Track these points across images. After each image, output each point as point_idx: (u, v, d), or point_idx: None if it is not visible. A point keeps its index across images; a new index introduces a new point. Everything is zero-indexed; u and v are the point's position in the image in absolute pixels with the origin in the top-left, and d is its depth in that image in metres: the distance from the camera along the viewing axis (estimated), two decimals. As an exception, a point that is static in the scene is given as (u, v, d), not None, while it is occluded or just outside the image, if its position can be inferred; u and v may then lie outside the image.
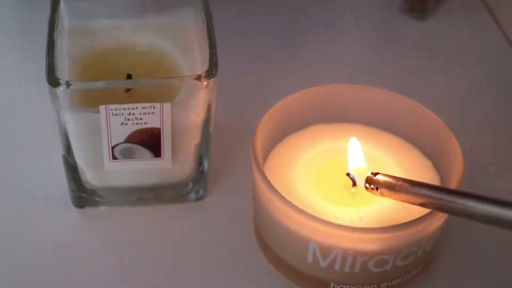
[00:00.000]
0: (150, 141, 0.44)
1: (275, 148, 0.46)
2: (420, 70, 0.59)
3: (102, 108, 0.42)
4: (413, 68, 0.59)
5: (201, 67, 0.45)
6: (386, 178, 0.41)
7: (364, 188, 0.42)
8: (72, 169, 0.46)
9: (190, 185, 0.48)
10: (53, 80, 0.41)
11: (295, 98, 0.46)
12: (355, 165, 0.44)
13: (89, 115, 0.43)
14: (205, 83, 0.42)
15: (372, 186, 0.42)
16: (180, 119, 0.44)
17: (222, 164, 0.50)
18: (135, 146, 0.44)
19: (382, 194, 0.41)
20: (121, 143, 0.44)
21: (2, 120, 0.53)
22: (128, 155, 0.44)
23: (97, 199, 0.47)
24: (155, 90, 0.43)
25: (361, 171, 0.43)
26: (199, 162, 0.47)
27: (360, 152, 0.45)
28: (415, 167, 0.46)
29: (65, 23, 0.47)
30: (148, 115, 0.43)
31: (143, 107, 0.42)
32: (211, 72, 0.42)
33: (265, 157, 0.46)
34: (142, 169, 0.45)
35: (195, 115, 0.44)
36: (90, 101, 0.43)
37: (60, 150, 0.45)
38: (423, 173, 0.45)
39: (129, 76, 0.45)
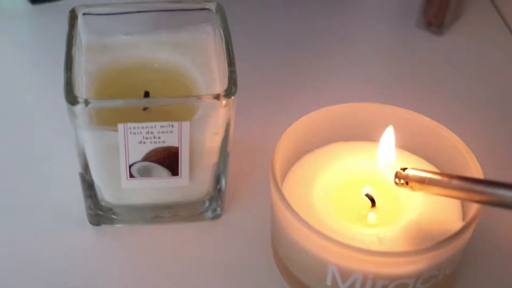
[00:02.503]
0: (167, 159, 0.44)
1: (293, 167, 0.46)
2: (438, 86, 0.58)
3: (120, 126, 0.42)
4: (431, 83, 0.58)
5: (219, 85, 0.45)
6: (415, 172, 0.41)
7: (394, 184, 0.42)
8: (89, 187, 0.46)
9: (207, 203, 0.47)
10: (71, 98, 0.41)
11: (314, 117, 0.46)
12: (385, 160, 0.44)
13: (107, 133, 0.43)
14: (224, 102, 0.42)
15: (402, 181, 0.42)
16: (198, 138, 0.43)
17: (239, 182, 0.50)
18: (152, 164, 0.44)
19: (412, 188, 0.42)
20: (138, 161, 0.44)
21: (20, 137, 0.53)
22: (145, 173, 0.44)
23: (114, 216, 0.47)
24: (173, 108, 0.43)
25: (391, 166, 0.44)
26: (217, 180, 0.46)
27: (392, 145, 0.44)
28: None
29: (83, 39, 0.46)
30: (167, 134, 0.42)
31: (162, 126, 0.42)
32: (230, 91, 0.42)
33: (284, 176, 0.45)
34: (159, 187, 0.45)
35: (214, 134, 0.44)
36: (108, 119, 0.43)
37: (77, 168, 0.45)
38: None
39: (147, 94, 0.45)
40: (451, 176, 0.40)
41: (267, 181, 0.43)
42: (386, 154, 0.44)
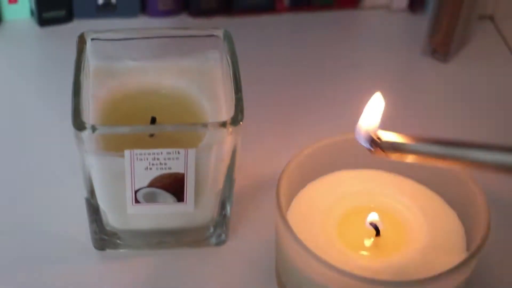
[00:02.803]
0: (173, 185, 0.44)
1: (298, 195, 0.46)
2: (443, 113, 0.58)
3: (127, 153, 0.42)
4: (435, 111, 0.58)
5: (226, 112, 0.45)
6: (391, 138, 0.39)
7: (369, 152, 0.40)
8: (94, 211, 0.46)
9: (212, 229, 0.47)
10: (79, 124, 0.41)
11: (319, 145, 0.46)
12: (368, 124, 0.41)
13: (114, 159, 0.43)
14: (230, 129, 0.42)
15: (377, 148, 0.39)
16: (204, 165, 0.44)
17: (244, 208, 0.50)
18: (158, 190, 0.44)
19: (389, 156, 0.39)
20: (144, 187, 0.44)
21: (26, 160, 0.53)
22: (151, 199, 0.44)
23: (118, 241, 0.47)
24: (179, 134, 0.43)
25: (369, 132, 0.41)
26: (222, 207, 0.47)
27: (378, 112, 0.42)
28: (439, 216, 0.45)
29: (91, 64, 0.47)
30: (173, 160, 0.43)
31: (168, 153, 0.42)
32: (237, 118, 0.42)
33: (288, 203, 0.45)
34: (164, 213, 0.45)
35: (220, 161, 0.44)
36: (114, 144, 0.43)
37: (83, 192, 0.45)
38: (447, 222, 0.45)
39: (153, 119, 0.45)
40: (428, 140, 0.38)
41: (272, 207, 0.43)
42: (368, 119, 0.41)
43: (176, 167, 0.43)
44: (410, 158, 0.39)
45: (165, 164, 0.43)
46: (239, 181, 0.47)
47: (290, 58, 0.62)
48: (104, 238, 0.47)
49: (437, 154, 0.38)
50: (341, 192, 0.46)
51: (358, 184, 0.47)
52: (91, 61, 0.47)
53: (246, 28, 0.64)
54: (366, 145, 0.40)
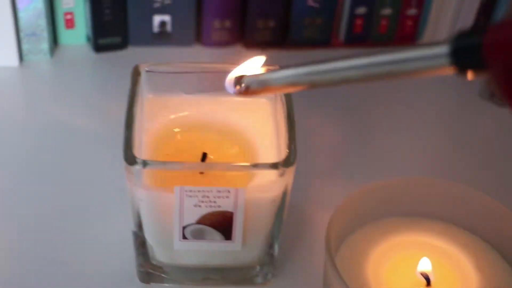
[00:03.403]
0: (222, 223, 0.43)
1: (347, 239, 0.45)
2: (501, 159, 0.57)
3: (177, 189, 0.42)
4: (493, 156, 0.57)
5: (278, 151, 0.44)
6: (250, 74, 0.38)
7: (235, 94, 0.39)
8: (141, 245, 0.45)
9: (258, 268, 0.47)
10: (130, 158, 0.41)
11: (369, 189, 0.45)
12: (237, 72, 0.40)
13: (163, 194, 0.42)
14: (281, 171, 0.42)
15: (241, 88, 0.38)
16: (254, 204, 0.43)
17: (292, 247, 0.49)
18: (206, 227, 0.43)
19: (254, 93, 0.38)
20: (192, 223, 0.43)
21: (74, 189, 0.53)
22: (198, 236, 0.44)
23: (164, 275, 0.47)
24: (230, 172, 0.43)
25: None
26: (269, 246, 0.46)
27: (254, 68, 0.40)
28: (493, 270, 0.44)
29: (144, 96, 0.47)
30: (222, 199, 0.42)
31: (218, 191, 0.42)
32: (289, 160, 0.42)
33: (338, 246, 0.45)
34: (211, 250, 0.45)
35: (270, 201, 0.43)
36: (164, 179, 0.42)
37: (130, 225, 0.45)
38: (501, 276, 0.43)
39: (204, 155, 0.45)
40: (284, 67, 0.37)
41: (320, 249, 0.43)
42: (241, 70, 0.40)
43: (225, 206, 0.42)
44: (275, 90, 0.38)
45: (215, 202, 0.42)
46: (288, 219, 0.46)
47: (343, 95, 0.62)
48: (150, 271, 0.47)
49: (301, 75, 0.36)
50: (391, 239, 0.45)
51: (410, 233, 0.46)
52: (144, 93, 0.47)
53: (299, 62, 0.63)
54: (231, 89, 0.39)
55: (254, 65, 0.40)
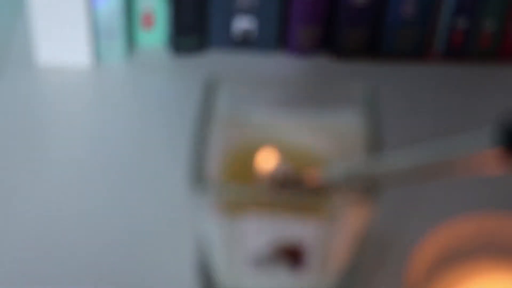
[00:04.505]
0: (293, 255, 0.40)
1: (429, 278, 0.41)
2: None
3: (247, 216, 0.39)
4: None
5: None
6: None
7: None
8: (206, 274, 0.43)
9: (331, 304, 0.43)
10: (199, 182, 0.38)
11: (456, 224, 0.41)
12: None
13: (233, 221, 0.39)
14: (361, 204, 0.38)
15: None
16: (329, 236, 0.40)
17: (367, 281, 0.45)
18: (277, 258, 0.40)
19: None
20: (263, 253, 0.40)
21: (136, 208, 0.50)
22: (267, 267, 0.41)
23: (229, 305, 0.44)
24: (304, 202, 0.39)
25: None
26: (345, 279, 0.42)
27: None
28: None
29: (218, 112, 0.43)
30: (295, 228, 0.39)
31: (293, 220, 0.38)
32: (369, 193, 0.38)
33: (421, 285, 0.41)
34: (281, 283, 0.42)
35: (347, 233, 0.40)
36: (234, 205, 0.39)
37: (195, 252, 0.42)
38: None
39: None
40: None
41: (398, 285, 0.39)
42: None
43: (298, 237, 0.39)
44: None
45: (289, 232, 0.39)
46: (367, 251, 0.43)
47: (436, 114, 0.57)
48: (214, 300, 0.44)
49: None
50: (479, 284, 0.41)
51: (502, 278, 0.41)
52: (219, 110, 0.43)
53: (391, 74, 0.59)
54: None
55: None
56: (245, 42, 0.60)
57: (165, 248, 0.47)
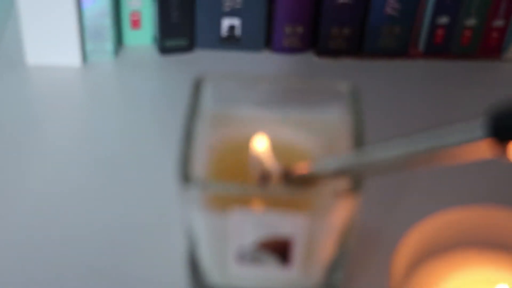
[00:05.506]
0: (280, 249, 0.41)
1: (414, 271, 0.42)
2: None
3: (234, 212, 0.39)
4: None
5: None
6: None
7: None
8: (194, 267, 0.43)
9: (317, 297, 0.44)
10: (185, 177, 0.39)
11: (440, 218, 0.42)
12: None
13: (219, 217, 0.40)
14: (346, 198, 0.39)
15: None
16: (315, 231, 0.40)
17: (354, 275, 0.46)
18: (263, 252, 0.41)
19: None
20: (249, 248, 0.41)
21: (127, 203, 0.50)
22: (255, 260, 0.41)
23: (217, 298, 0.44)
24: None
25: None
26: (330, 274, 0.43)
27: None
28: None
29: (205, 110, 0.44)
30: (282, 223, 0.39)
31: (279, 215, 0.39)
32: (355, 187, 0.39)
33: (403, 279, 0.41)
34: (267, 276, 0.42)
35: (333, 228, 0.41)
36: (221, 200, 0.40)
37: (183, 246, 0.43)
38: None
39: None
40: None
41: (384, 278, 0.40)
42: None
43: (284, 231, 0.40)
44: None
45: (274, 226, 0.40)
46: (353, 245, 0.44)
47: (420, 109, 0.58)
48: (203, 293, 0.44)
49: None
50: (462, 275, 0.42)
51: (482, 267, 0.43)
52: (205, 107, 0.44)
53: (374, 72, 0.60)
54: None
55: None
56: (231, 42, 0.61)
57: (154, 242, 0.48)
